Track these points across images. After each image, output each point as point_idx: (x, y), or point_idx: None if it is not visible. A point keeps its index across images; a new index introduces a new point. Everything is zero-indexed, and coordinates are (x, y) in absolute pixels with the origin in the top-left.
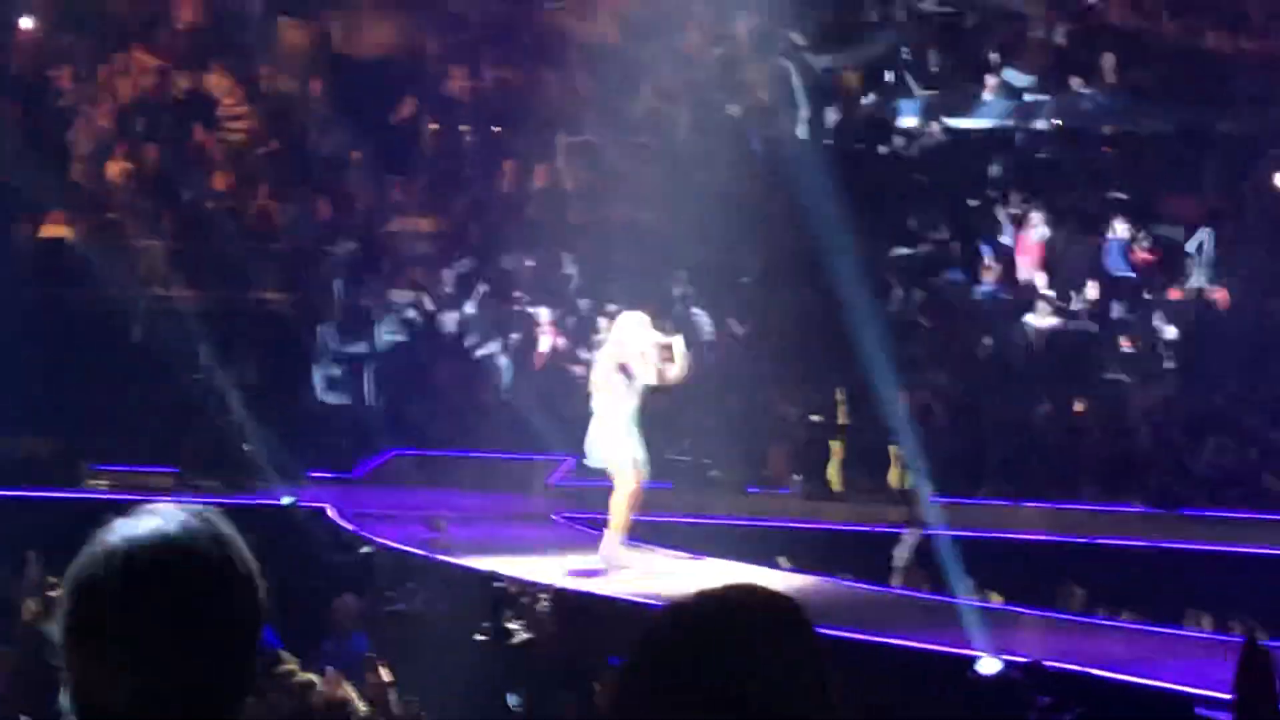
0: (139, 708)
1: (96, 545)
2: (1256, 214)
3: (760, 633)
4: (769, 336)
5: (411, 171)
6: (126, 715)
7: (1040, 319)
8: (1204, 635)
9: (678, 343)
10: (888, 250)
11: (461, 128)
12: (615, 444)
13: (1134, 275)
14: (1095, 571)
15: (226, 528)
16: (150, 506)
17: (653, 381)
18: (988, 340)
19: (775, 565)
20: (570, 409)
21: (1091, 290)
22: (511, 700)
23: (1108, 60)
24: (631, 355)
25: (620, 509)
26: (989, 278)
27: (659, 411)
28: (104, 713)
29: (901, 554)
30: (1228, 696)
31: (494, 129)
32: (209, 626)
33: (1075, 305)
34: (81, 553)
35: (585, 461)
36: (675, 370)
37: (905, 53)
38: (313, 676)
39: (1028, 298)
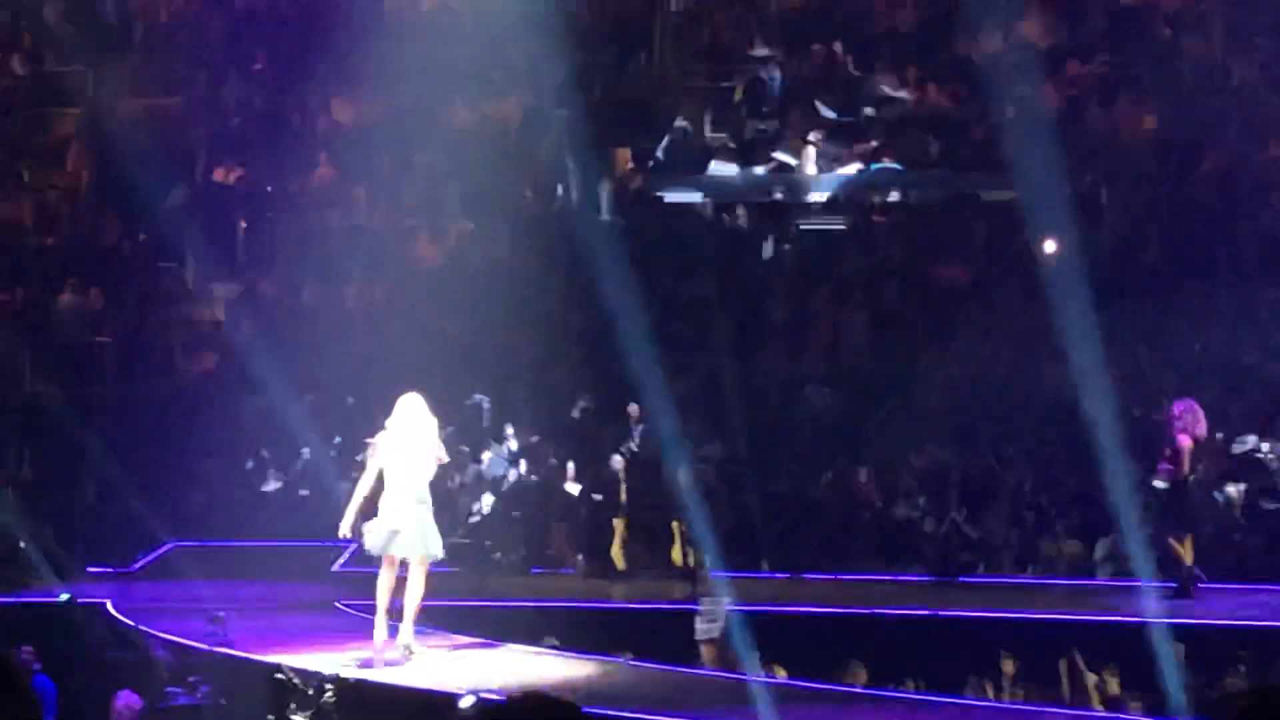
0: None
1: None
2: (1020, 279)
3: None
4: (549, 414)
5: (184, 260)
6: None
7: (819, 391)
8: (988, 703)
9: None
10: (665, 325)
11: (234, 215)
12: (414, 532)
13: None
14: (878, 642)
15: None
16: None
17: (432, 464)
18: (762, 414)
19: (544, 645)
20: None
21: (864, 360)
22: None
23: (876, 131)
24: (411, 438)
25: (417, 596)
26: (766, 351)
27: (441, 495)
28: None
29: (705, 627)
30: None
31: (267, 215)
32: None
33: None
34: None
35: (381, 549)
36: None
37: (678, 128)
38: None
39: (806, 370)
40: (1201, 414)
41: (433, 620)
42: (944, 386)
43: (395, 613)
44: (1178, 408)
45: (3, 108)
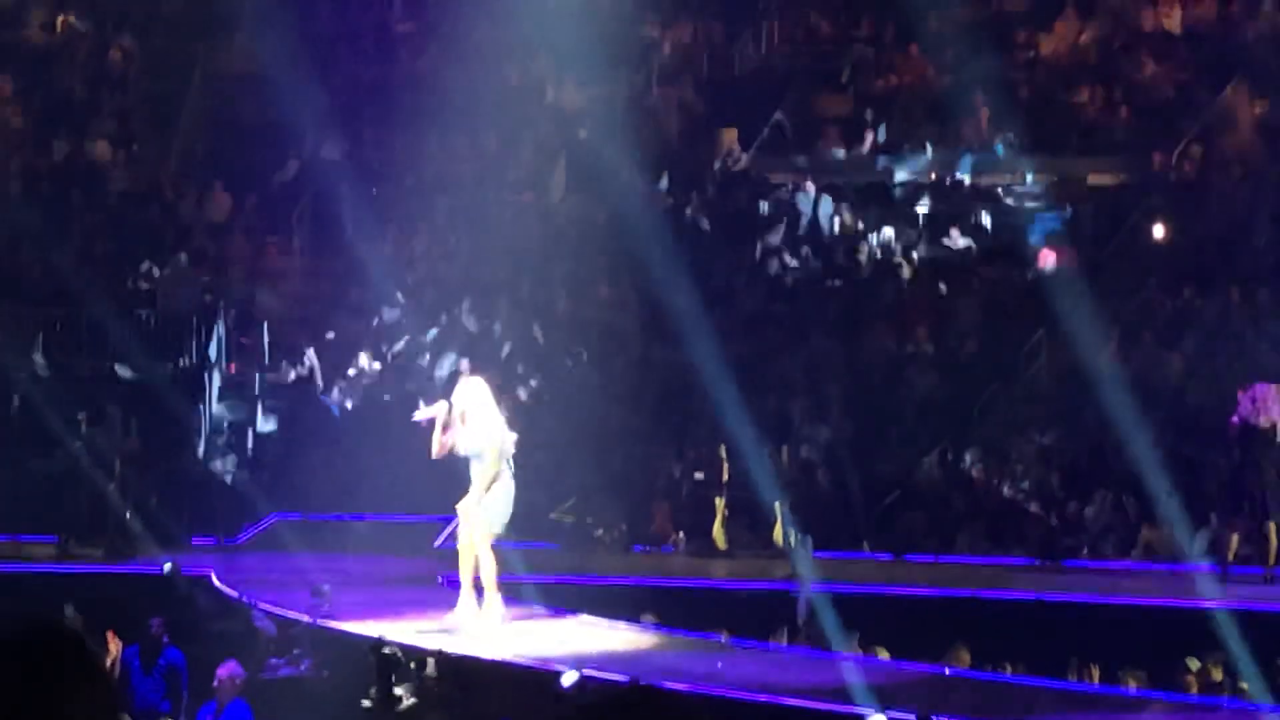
0: None
1: None
2: (1129, 264)
3: None
4: (651, 393)
5: (289, 234)
6: None
7: (921, 372)
8: (1092, 688)
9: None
10: (766, 305)
11: (342, 190)
12: (469, 509)
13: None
14: (980, 625)
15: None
16: None
17: (468, 449)
18: (868, 395)
19: (641, 622)
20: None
21: (971, 344)
22: None
23: (981, 114)
24: (464, 418)
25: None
26: (871, 332)
27: (543, 471)
28: None
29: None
30: None
31: (374, 190)
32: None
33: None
34: None
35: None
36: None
37: (784, 108)
38: None
39: (910, 350)
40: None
41: (535, 595)
42: (1050, 370)
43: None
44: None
45: (115, 83)
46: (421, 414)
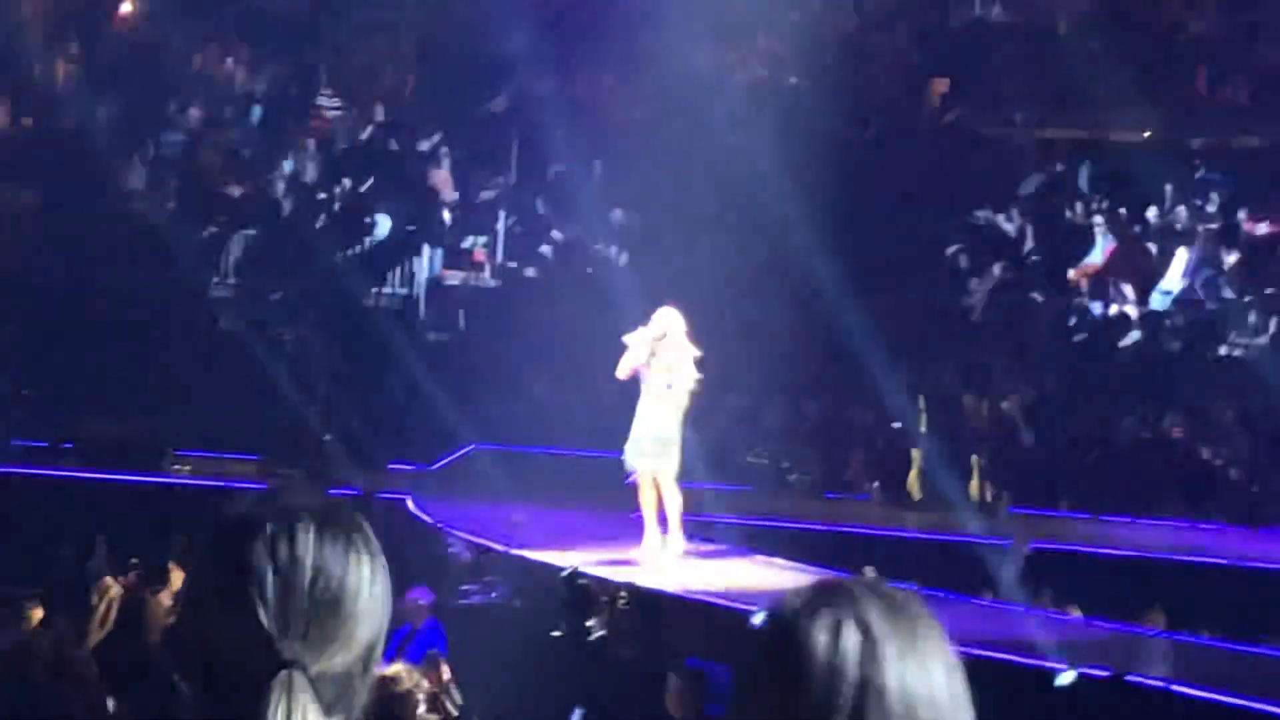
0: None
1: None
2: None
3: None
4: (850, 340)
5: (497, 167)
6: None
7: (1126, 332)
8: None
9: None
10: (973, 260)
11: (551, 124)
12: (648, 447)
13: (1222, 289)
14: (1174, 587)
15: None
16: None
17: (667, 384)
18: (1071, 353)
19: (860, 575)
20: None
21: (1178, 304)
22: (575, 718)
23: (1200, 74)
24: (661, 353)
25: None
26: (1077, 289)
27: (739, 413)
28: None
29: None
30: None
31: (582, 126)
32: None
33: (1162, 319)
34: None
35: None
36: (680, 380)
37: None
38: (392, 670)
39: (1114, 311)
40: None
41: (726, 536)
42: (1257, 333)
43: (662, 522)
44: None
45: (333, 10)
46: (631, 341)
